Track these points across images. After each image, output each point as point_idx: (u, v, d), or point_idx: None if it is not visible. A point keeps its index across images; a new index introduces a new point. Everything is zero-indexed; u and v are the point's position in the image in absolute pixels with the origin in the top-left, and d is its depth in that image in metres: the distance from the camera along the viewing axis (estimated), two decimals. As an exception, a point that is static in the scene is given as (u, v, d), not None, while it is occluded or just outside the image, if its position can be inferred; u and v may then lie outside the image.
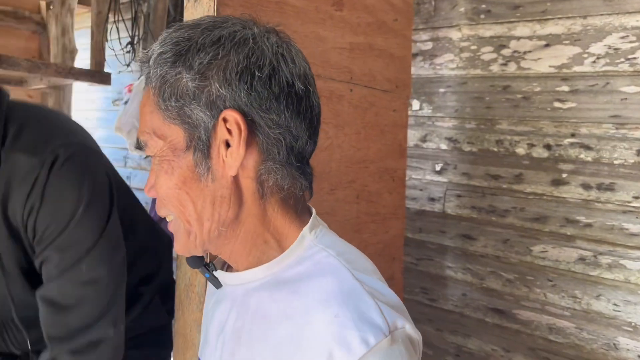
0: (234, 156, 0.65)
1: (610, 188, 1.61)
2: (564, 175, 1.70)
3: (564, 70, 1.71)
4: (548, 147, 1.73)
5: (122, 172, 3.46)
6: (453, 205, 1.96)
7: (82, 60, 3.46)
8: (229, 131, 0.65)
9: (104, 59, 2.93)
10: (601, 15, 1.64)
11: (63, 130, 0.87)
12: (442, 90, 1.99)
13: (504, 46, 1.84)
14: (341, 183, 1.46)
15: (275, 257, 0.71)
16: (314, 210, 0.76)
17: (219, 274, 0.78)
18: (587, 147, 1.66)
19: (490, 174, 1.87)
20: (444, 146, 1.98)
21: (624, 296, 1.59)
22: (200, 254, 0.76)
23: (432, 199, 2.01)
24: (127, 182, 3.47)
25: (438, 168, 2.00)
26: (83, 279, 0.86)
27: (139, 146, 0.71)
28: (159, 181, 0.69)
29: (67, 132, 0.88)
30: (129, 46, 2.90)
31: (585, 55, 1.67)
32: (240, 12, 1.20)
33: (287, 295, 0.67)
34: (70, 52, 3.10)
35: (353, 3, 1.48)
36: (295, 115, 0.68)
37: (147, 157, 0.79)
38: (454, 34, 1.97)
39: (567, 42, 1.71)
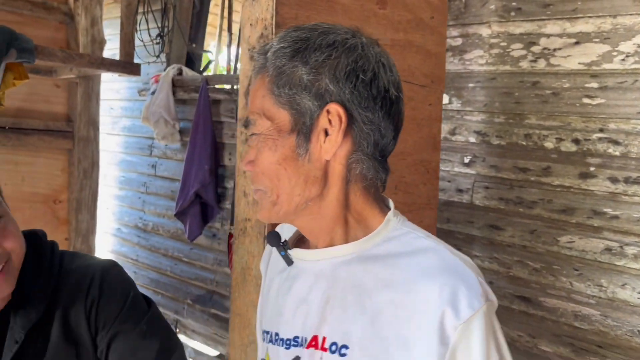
0: (332, 143, 0.75)
1: (637, 181, 1.68)
2: (592, 169, 1.77)
3: (594, 68, 1.77)
4: (576, 141, 1.80)
5: (147, 160, 3.55)
6: (481, 197, 2.03)
7: (107, 50, 3.52)
8: (330, 121, 0.75)
9: (134, 50, 3.00)
10: (631, 14, 1.70)
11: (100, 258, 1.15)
12: (471, 85, 2.06)
13: (533, 43, 1.90)
14: (381, 174, 1.53)
15: (360, 237, 0.80)
16: (391, 202, 0.85)
17: (297, 251, 0.87)
18: (615, 142, 1.72)
19: (518, 166, 1.93)
20: (472, 139, 2.05)
21: (648, 285, 1.66)
22: (279, 222, 0.86)
23: (460, 190, 2.08)
24: (152, 170, 3.55)
25: (467, 160, 2.06)
26: (146, 333, 1.05)
27: (247, 123, 0.80)
28: (261, 156, 0.78)
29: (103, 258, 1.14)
30: (159, 38, 2.96)
31: (615, 53, 1.72)
32: (297, 9, 1.27)
33: (383, 268, 0.77)
34: (99, 43, 3.16)
35: (394, 1, 1.54)
36: (386, 116, 0.78)
37: (252, 135, 0.89)
38: (484, 31, 2.03)
39: (597, 40, 1.76)
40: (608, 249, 1.73)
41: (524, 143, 1.92)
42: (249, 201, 1.27)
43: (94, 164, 3.28)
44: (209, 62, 4.01)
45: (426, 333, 0.70)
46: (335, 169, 0.78)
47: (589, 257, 1.77)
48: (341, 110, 0.74)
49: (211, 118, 2.95)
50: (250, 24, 1.27)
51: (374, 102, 0.76)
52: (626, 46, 1.71)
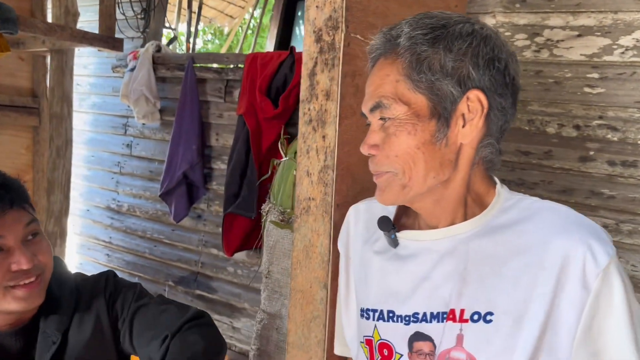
0: (472, 127, 0.80)
1: (633, 165, 1.84)
2: (591, 153, 1.92)
3: (595, 59, 1.91)
4: (577, 127, 1.94)
5: (122, 140, 3.43)
6: (483, 178, 2.15)
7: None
8: (468, 107, 0.79)
9: (115, 24, 2.88)
10: (631, 11, 1.85)
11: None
12: (475, 71, 2.15)
13: (537, 34, 2.02)
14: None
15: (477, 213, 0.86)
16: (495, 178, 0.91)
17: (409, 233, 0.91)
18: (614, 129, 1.88)
19: (520, 150, 2.06)
20: (476, 124, 2.15)
21: (641, 258, 1.84)
22: (402, 204, 0.90)
23: (463, 172, 2.19)
24: (127, 150, 3.44)
25: (470, 144, 2.17)
26: (162, 303, 1.28)
27: (377, 105, 0.81)
28: (398, 140, 0.81)
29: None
30: (144, 13, 2.86)
31: (615, 47, 1.87)
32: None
33: (511, 236, 0.82)
34: (73, 15, 3.00)
35: (430, -12, 1.60)
36: (513, 103, 0.84)
37: (380, 118, 0.89)
38: (489, 20, 2.13)
39: (598, 33, 1.90)
40: (604, 226, 1.89)
41: (526, 128, 2.05)
42: (313, 181, 1.30)
43: (68, 142, 3.14)
44: (173, 39, 3.91)
45: (570, 285, 0.77)
46: (467, 152, 0.83)
47: (587, 233, 1.93)
48: (482, 97, 0.79)
49: (198, 97, 2.90)
50: (317, 6, 1.28)
51: (507, 89, 0.82)
52: (626, 40, 1.86)
